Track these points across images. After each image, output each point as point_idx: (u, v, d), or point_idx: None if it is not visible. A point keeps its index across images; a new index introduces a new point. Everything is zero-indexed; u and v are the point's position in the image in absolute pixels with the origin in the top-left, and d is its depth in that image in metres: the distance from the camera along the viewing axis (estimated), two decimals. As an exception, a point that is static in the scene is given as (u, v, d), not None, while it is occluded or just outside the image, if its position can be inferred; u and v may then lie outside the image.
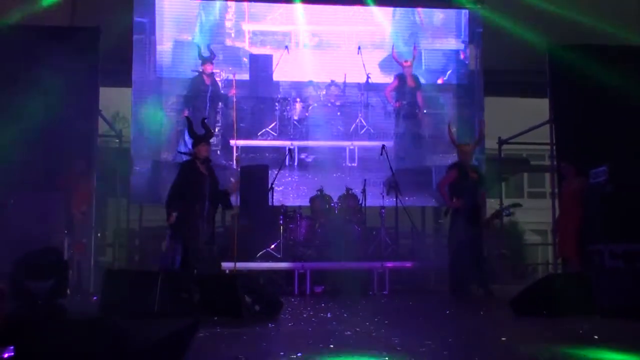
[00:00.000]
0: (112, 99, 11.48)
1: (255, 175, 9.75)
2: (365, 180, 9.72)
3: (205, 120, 7.52)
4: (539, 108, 10.52)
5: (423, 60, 11.28)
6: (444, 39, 11.42)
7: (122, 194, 10.78)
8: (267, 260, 8.60)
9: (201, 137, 7.19)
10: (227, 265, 7.99)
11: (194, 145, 7.22)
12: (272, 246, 8.77)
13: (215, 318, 5.06)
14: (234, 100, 9.60)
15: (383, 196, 9.49)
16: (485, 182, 8.34)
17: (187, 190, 6.96)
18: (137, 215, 11.17)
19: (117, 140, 11.42)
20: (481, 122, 8.22)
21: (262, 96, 10.86)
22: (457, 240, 7.92)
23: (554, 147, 9.55)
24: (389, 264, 8.67)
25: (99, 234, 9.87)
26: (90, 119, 9.04)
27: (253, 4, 11.05)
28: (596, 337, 4.34)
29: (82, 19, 9.90)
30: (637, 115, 9.23)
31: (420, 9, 11.36)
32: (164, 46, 10.78)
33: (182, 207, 6.89)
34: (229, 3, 11.04)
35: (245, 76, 10.86)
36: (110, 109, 12.27)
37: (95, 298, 6.83)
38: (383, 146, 9.99)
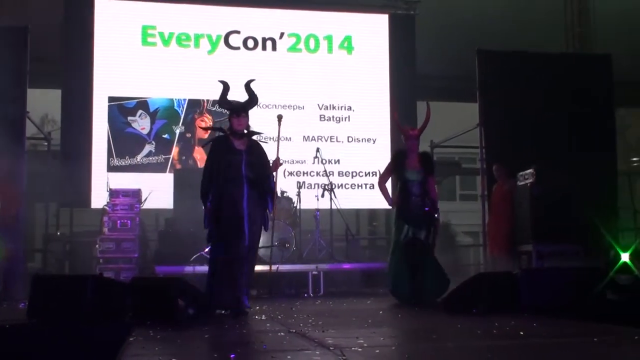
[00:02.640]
0: (40, 101, 11.18)
1: (189, 178, 9.67)
2: (298, 182, 9.76)
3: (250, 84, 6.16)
4: (470, 112, 10.77)
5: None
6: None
7: (51, 198, 10.50)
8: (201, 264, 8.52)
9: (234, 107, 6.07)
10: (160, 269, 7.87)
11: (229, 117, 6.13)
12: (206, 250, 8.69)
13: (148, 322, 4.98)
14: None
15: (317, 199, 9.53)
16: (433, 171, 7.18)
17: (219, 173, 5.89)
18: (67, 220, 10.92)
19: (46, 144, 11.13)
20: (427, 103, 7.34)
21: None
22: (398, 245, 6.95)
23: (484, 150, 9.80)
24: (324, 266, 8.72)
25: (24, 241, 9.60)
26: (18, 121, 8.78)
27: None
28: (522, 332, 4.48)
29: (9, 17, 9.63)
30: (561, 118, 9.56)
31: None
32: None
33: (215, 195, 5.87)
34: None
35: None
36: (38, 111, 11.96)
37: (22, 305, 6.63)
38: (318, 149, 10.08)
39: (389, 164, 7.36)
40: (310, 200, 9.58)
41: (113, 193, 8.83)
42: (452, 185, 21.19)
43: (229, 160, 5.92)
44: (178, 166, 10.44)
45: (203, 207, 6.05)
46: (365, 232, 12.29)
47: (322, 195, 9.58)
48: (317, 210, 9.43)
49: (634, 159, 16.15)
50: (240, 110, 6.06)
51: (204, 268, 8.41)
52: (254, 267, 6.17)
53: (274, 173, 6.26)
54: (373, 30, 11.55)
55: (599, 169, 9.41)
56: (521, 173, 8.42)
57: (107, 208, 8.80)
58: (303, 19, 11.35)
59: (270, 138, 6.97)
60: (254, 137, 6.20)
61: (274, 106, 10.30)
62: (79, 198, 10.19)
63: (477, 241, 15.39)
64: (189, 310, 5.29)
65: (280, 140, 6.56)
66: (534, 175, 8.15)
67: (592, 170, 9.09)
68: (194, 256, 8.55)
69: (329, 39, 11.33)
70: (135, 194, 8.85)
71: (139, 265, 8.66)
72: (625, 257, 6.11)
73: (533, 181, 8.14)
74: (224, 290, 5.75)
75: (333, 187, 9.74)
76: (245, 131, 6.09)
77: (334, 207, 9.52)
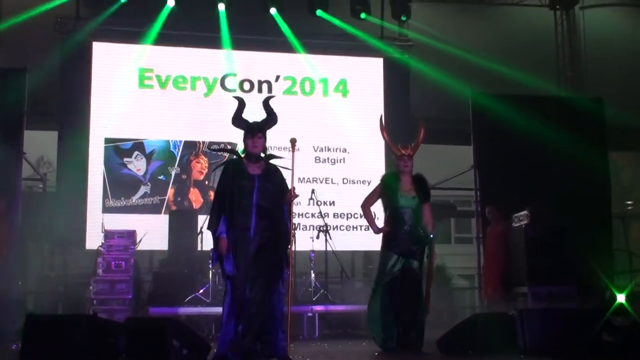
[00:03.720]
0: (36, 142, 11.23)
1: (184, 219, 9.69)
2: (294, 224, 9.72)
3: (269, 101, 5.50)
4: (464, 155, 10.84)
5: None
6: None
7: (45, 239, 10.46)
8: (195, 305, 8.47)
9: (250, 126, 5.37)
10: (154, 310, 7.82)
11: (243, 138, 5.44)
12: (201, 291, 8.66)
13: (142, 363, 4.93)
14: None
15: (312, 240, 9.52)
16: (429, 197, 6.39)
17: (229, 200, 5.22)
18: (62, 261, 10.86)
19: (41, 185, 11.13)
20: (421, 121, 6.69)
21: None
22: (382, 280, 6.18)
23: (478, 192, 9.83)
24: (319, 308, 8.67)
25: (19, 282, 9.52)
26: (14, 161, 8.79)
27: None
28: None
29: (8, 58, 9.75)
30: (555, 159, 9.62)
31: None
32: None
33: (226, 227, 5.18)
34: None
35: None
36: (34, 153, 11.99)
37: (15, 346, 6.56)
38: (313, 190, 10.12)
39: (377, 187, 6.47)
40: (305, 242, 9.56)
41: (108, 234, 8.81)
42: (447, 227, 21.16)
43: (240, 186, 5.24)
44: (173, 207, 10.45)
45: (212, 240, 5.33)
46: (361, 274, 12.22)
47: (317, 237, 9.58)
48: (312, 251, 9.41)
49: (628, 202, 16.19)
50: (256, 130, 5.36)
51: (199, 309, 8.39)
52: (273, 308, 5.15)
53: (290, 204, 5.48)
54: (368, 74, 11.70)
55: (594, 211, 9.45)
56: (516, 215, 8.44)
57: (101, 249, 8.77)
58: (299, 62, 11.49)
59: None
60: (274, 161, 5.49)
61: (269, 148, 10.36)
62: (74, 239, 10.16)
63: (473, 284, 15.34)
64: (184, 351, 5.25)
65: (294, 168, 5.65)
66: (528, 216, 8.17)
67: (586, 212, 9.12)
68: (189, 297, 8.51)
69: (324, 82, 11.47)
70: (130, 235, 8.83)
71: (133, 307, 8.59)
72: (621, 298, 6.09)
73: (528, 223, 8.16)
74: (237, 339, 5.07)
75: (328, 228, 9.74)
76: (262, 154, 5.42)
77: (329, 248, 9.50)
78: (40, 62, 9.66)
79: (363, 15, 11.59)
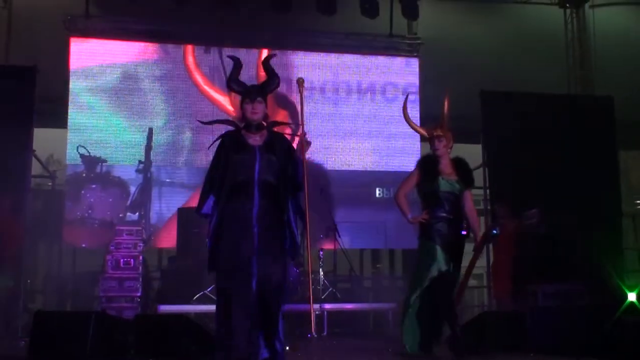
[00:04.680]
0: (47, 140, 11.27)
1: (195, 216, 9.65)
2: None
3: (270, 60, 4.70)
4: (472, 153, 10.80)
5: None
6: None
7: (54, 238, 10.49)
8: (204, 303, 8.46)
9: (248, 89, 4.59)
10: (163, 307, 7.82)
11: (240, 104, 4.65)
12: (210, 289, 8.65)
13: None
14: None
15: (322, 238, 9.51)
16: (472, 183, 5.75)
17: (223, 179, 4.43)
18: (70, 259, 10.87)
19: (50, 183, 11.16)
20: (446, 89, 5.86)
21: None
22: (425, 277, 5.42)
23: (488, 191, 9.79)
24: (327, 306, 8.65)
25: (28, 281, 9.56)
26: (23, 158, 8.84)
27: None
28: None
29: (18, 57, 9.78)
30: (564, 158, 9.59)
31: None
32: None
33: (217, 210, 4.43)
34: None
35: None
36: (44, 150, 12.03)
37: (23, 342, 6.58)
38: (321, 189, 10.08)
39: (414, 171, 5.73)
40: (313, 240, 9.54)
41: (116, 231, 8.80)
42: (456, 227, 21.10)
43: (238, 160, 4.45)
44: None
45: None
46: (369, 272, 12.21)
47: (326, 235, 9.56)
48: (321, 249, 9.40)
49: (638, 201, 16.12)
50: (256, 93, 4.58)
51: (207, 307, 8.37)
52: (274, 309, 4.33)
53: (302, 158, 4.76)
54: (378, 72, 11.66)
55: (604, 209, 9.42)
56: (525, 213, 8.41)
57: (110, 247, 8.77)
58: (303, 60, 11.44)
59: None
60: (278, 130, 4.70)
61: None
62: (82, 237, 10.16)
63: (482, 282, 15.27)
64: (192, 348, 5.26)
65: (303, 117, 5.00)
66: (538, 214, 8.14)
67: (596, 210, 9.11)
68: (197, 295, 8.51)
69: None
70: (139, 233, 8.83)
71: (142, 304, 8.59)
72: (632, 296, 6.05)
73: (538, 220, 8.13)
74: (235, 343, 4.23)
75: (337, 226, 9.72)
76: (264, 122, 4.63)
77: (337, 247, 9.50)
78: (50, 60, 9.71)
79: (372, 14, 11.51)
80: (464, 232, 5.58)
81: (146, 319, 6.01)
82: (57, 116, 10.40)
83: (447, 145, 5.65)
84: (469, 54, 11.81)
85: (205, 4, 10.78)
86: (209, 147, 4.68)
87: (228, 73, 4.73)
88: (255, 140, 4.54)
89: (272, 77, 4.65)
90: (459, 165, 5.71)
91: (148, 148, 9.58)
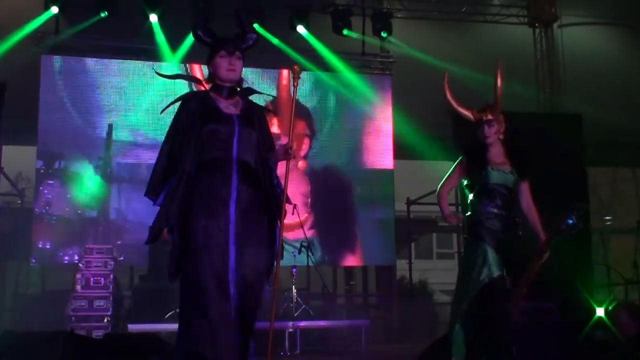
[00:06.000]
0: (16, 157, 11.14)
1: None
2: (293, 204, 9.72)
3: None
4: (445, 170, 10.87)
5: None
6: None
7: (22, 256, 10.34)
8: (176, 322, 8.38)
9: (222, 39, 3.60)
10: (134, 326, 7.73)
11: (209, 59, 3.64)
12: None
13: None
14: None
15: (295, 256, 9.49)
16: (528, 173, 4.91)
17: (188, 153, 3.44)
18: (39, 278, 10.72)
19: (19, 201, 11.03)
20: (499, 69, 4.89)
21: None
22: (474, 283, 4.53)
23: (459, 208, 9.85)
24: (301, 324, 8.62)
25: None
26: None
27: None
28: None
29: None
30: (534, 175, 9.62)
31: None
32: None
33: (179, 191, 3.42)
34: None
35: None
36: (13, 168, 11.90)
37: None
38: (294, 205, 10.07)
39: (458, 163, 4.96)
40: (286, 257, 9.51)
41: (87, 250, 8.72)
42: (429, 243, 21.23)
43: (211, 131, 3.48)
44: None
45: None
46: (342, 289, 12.22)
47: (299, 252, 9.55)
48: (294, 266, 9.38)
49: (607, 217, 16.35)
50: (234, 45, 3.59)
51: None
52: (252, 310, 3.54)
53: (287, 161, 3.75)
54: (349, 90, 11.72)
55: (573, 226, 9.50)
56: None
57: (80, 265, 8.68)
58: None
59: None
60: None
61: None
62: (52, 256, 10.04)
63: (454, 299, 15.38)
64: (163, 367, 5.20)
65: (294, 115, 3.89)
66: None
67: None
68: (169, 314, 8.43)
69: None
70: (110, 251, 8.75)
71: (112, 324, 8.50)
72: (600, 312, 6.12)
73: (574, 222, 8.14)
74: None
75: (310, 244, 9.72)
76: (238, 89, 3.69)
77: (310, 264, 9.48)
78: (20, 77, 9.62)
79: (345, 32, 11.62)
80: (519, 232, 4.80)
81: (116, 338, 5.94)
82: (26, 133, 10.29)
83: (499, 130, 4.85)
84: (441, 72, 11.90)
85: (180, 19, 10.76)
86: (162, 112, 3.71)
87: (195, 22, 3.70)
88: (230, 108, 3.58)
89: (249, 33, 3.70)
90: (514, 153, 4.89)
91: (108, 144, 9.55)
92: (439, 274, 15.95)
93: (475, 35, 13.19)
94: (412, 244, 13.45)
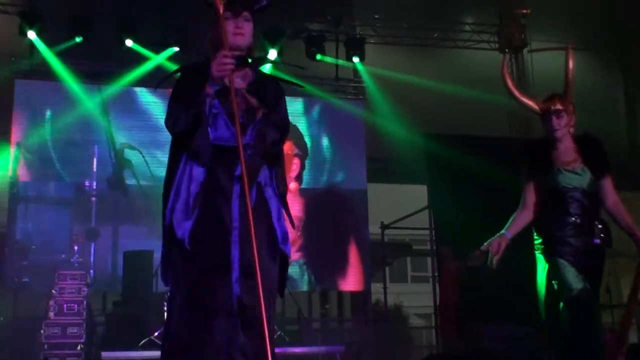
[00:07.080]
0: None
1: (139, 260, 9.56)
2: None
3: None
4: (419, 193, 10.98)
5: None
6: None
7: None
8: (150, 349, 8.31)
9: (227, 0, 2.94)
10: (107, 354, 7.66)
11: (211, 22, 3.03)
12: (156, 334, 8.51)
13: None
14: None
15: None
16: (608, 168, 4.20)
17: (190, 142, 2.92)
18: (11, 304, 10.55)
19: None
20: (569, 54, 4.40)
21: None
22: (553, 306, 4.14)
23: (433, 232, 9.93)
24: (277, 350, 8.57)
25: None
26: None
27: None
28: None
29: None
30: (506, 199, 9.77)
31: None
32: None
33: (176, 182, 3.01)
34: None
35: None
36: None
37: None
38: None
39: (524, 167, 4.45)
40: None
41: (60, 276, 8.63)
42: (404, 266, 21.27)
43: (212, 107, 2.92)
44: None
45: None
46: (317, 314, 12.19)
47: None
48: (269, 291, 9.35)
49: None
50: (241, 5, 3.01)
51: (153, 353, 8.22)
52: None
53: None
54: (321, 114, 11.82)
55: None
56: (470, 254, 8.51)
57: (53, 291, 8.58)
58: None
59: None
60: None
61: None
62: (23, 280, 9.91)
63: (430, 322, 15.41)
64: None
65: None
66: (482, 255, 8.25)
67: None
68: (143, 341, 8.36)
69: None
70: (83, 277, 8.68)
71: (86, 351, 8.40)
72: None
73: (482, 262, 8.23)
74: None
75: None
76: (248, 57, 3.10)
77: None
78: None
79: (318, 57, 11.72)
80: (596, 241, 4.10)
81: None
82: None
83: (569, 123, 4.23)
84: (413, 96, 12.07)
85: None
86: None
87: None
88: (235, 82, 2.92)
89: None
90: (586, 146, 4.24)
91: (15, 162, 9.57)
92: (414, 297, 16.00)
93: (447, 61, 13.39)
94: (387, 268, 13.46)
